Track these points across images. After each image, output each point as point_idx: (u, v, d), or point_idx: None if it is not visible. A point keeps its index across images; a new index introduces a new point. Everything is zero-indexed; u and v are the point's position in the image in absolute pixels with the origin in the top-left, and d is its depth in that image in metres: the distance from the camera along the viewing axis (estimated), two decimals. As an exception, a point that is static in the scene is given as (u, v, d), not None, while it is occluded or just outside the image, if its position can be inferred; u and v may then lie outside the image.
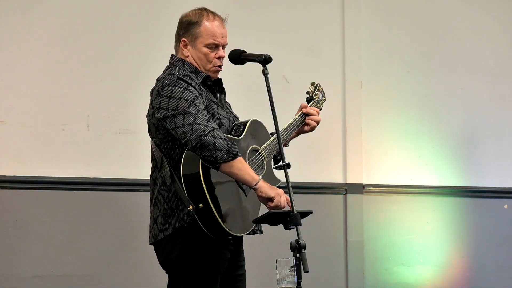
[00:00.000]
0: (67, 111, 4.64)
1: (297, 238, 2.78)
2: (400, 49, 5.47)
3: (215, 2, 4.92)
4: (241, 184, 3.11)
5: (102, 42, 4.74)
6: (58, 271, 4.52)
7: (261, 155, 3.22)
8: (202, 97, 3.14)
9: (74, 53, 4.68)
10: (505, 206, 5.58)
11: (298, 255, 2.76)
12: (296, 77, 5.17)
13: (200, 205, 2.98)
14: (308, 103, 3.52)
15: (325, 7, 5.31)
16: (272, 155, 3.28)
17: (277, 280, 2.79)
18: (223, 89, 3.37)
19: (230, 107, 3.44)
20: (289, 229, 2.90)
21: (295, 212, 2.88)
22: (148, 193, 4.72)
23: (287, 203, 3.03)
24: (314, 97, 3.54)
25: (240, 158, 3.02)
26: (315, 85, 3.57)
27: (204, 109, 3.10)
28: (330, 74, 5.26)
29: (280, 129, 3.21)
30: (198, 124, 3.00)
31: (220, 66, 3.28)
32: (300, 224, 2.86)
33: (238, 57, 3.23)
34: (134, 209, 4.64)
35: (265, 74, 3.09)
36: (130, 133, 4.70)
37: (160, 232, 3.16)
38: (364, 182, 5.24)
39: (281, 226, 2.94)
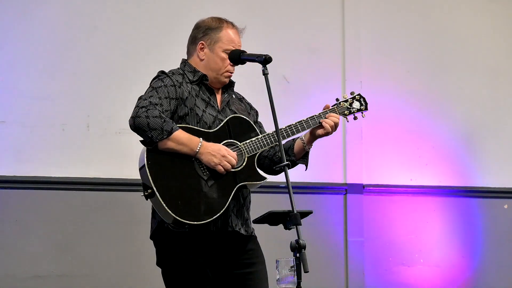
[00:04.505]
0: (67, 111, 4.64)
1: (297, 238, 2.78)
2: (400, 49, 5.47)
3: (216, 3, 4.94)
4: (203, 174, 3.12)
5: (102, 42, 4.74)
6: (58, 271, 4.52)
7: (239, 149, 3.21)
8: (175, 88, 3.20)
9: (74, 53, 4.68)
10: (505, 206, 5.58)
11: (298, 255, 2.76)
12: (296, 77, 5.17)
13: (149, 190, 3.05)
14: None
15: (325, 7, 5.31)
16: (258, 152, 3.23)
17: (277, 280, 2.79)
18: (232, 91, 3.41)
19: (246, 110, 3.43)
20: (289, 229, 2.90)
21: (295, 212, 2.88)
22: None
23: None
24: (341, 102, 3.43)
25: (176, 133, 3.07)
26: (354, 95, 3.46)
27: (168, 98, 3.16)
28: (330, 74, 5.26)
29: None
30: (137, 106, 3.11)
31: (232, 73, 3.34)
32: (300, 224, 2.86)
33: (238, 57, 3.27)
34: (134, 209, 4.63)
35: (265, 74, 3.10)
36: (130, 133, 4.65)
37: (151, 227, 3.26)
38: (364, 182, 5.24)
39: (281, 226, 2.94)
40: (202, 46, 3.31)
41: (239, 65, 3.35)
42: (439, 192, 5.43)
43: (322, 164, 5.16)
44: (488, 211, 5.53)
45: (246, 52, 3.28)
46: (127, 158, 4.68)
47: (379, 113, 5.33)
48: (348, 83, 5.27)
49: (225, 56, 3.29)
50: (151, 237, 3.25)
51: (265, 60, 3.12)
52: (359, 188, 5.21)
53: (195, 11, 4.90)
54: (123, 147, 4.68)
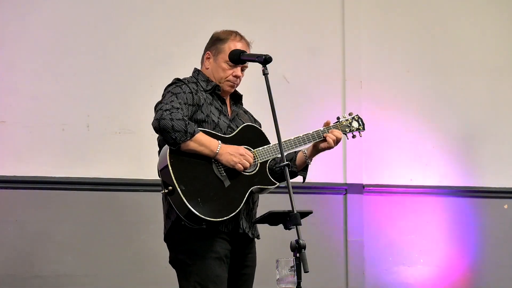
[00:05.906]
0: (67, 111, 4.64)
1: (297, 238, 2.78)
2: (400, 49, 5.47)
3: (216, 3, 4.94)
4: (220, 175, 3.21)
5: (102, 42, 4.74)
6: (58, 271, 4.52)
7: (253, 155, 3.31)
8: (192, 95, 3.30)
9: (73, 53, 4.68)
10: (505, 206, 5.57)
11: (298, 255, 2.76)
12: (296, 77, 5.17)
13: (170, 187, 3.12)
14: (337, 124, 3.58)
15: (325, 7, 5.31)
16: (269, 159, 3.34)
17: (277, 280, 2.79)
18: (241, 103, 3.54)
19: (251, 121, 3.52)
20: (289, 229, 2.91)
21: (295, 212, 2.88)
22: (149, 193, 4.73)
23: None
24: (342, 121, 3.59)
25: (198, 135, 3.17)
26: (352, 116, 3.63)
27: (187, 104, 3.25)
28: (330, 74, 5.26)
29: (286, 139, 3.36)
30: (161, 109, 3.17)
31: (234, 83, 3.43)
32: (300, 224, 2.87)
33: (238, 57, 3.31)
34: (134, 209, 4.64)
35: (265, 74, 3.13)
36: (130, 133, 4.69)
37: (164, 227, 3.33)
38: (364, 182, 5.24)
39: (281, 226, 2.95)
40: (208, 56, 3.44)
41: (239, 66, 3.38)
42: (439, 192, 5.43)
43: (322, 164, 5.14)
44: (488, 211, 5.53)
45: (246, 52, 3.31)
46: (127, 158, 4.69)
47: (379, 113, 5.34)
48: (348, 83, 5.27)
49: (226, 66, 3.39)
50: (165, 238, 3.32)
51: (265, 60, 3.14)
52: (359, 188, 5.22)
53: (194, 11, 4.91)
54: (123, 147, 4.69)
